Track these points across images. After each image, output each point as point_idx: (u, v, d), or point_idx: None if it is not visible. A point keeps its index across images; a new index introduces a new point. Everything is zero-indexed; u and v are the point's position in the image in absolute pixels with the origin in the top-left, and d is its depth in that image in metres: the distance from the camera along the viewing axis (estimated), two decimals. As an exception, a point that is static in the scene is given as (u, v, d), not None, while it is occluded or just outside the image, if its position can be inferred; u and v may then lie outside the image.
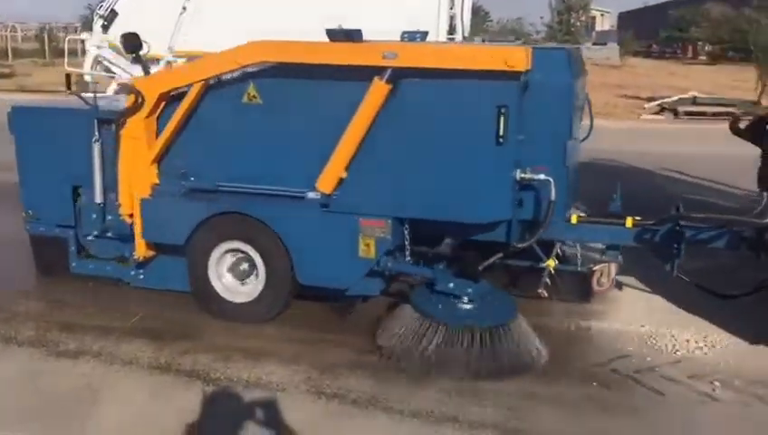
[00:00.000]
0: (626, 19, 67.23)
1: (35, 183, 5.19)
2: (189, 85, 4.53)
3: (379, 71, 4.12)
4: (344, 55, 4.20)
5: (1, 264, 5.85)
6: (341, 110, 4.24)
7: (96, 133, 4.85)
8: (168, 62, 9.10)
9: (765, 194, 4.25)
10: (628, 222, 4.44)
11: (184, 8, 9.18)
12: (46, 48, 31.54)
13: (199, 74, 4.52)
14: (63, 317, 4.88)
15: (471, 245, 4.63)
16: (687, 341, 4.58)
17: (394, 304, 4.69)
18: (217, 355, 4.33)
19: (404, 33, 4.75)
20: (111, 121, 4.75)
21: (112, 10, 9.83)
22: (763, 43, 19.42)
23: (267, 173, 4.56)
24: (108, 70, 10.32)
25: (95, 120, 4.84)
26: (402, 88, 4.15)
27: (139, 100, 4.57)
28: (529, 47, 4.09)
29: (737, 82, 22.24)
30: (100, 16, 9.90)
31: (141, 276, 5.08)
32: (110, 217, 4.98)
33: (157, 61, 9.20)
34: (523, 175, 4.19)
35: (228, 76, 4.51)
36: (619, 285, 5.23)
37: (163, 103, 4.65)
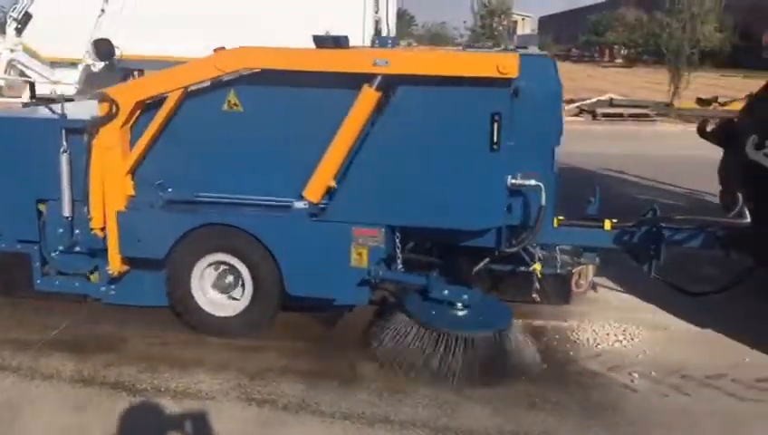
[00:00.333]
0: (546, 23, 69.12)
1: None
2: (167, 93, 4.39)
3: (368, 78, 4.10)
4: (335, 62, 4.17)
5: None
6: (328, 117, 4.20)
7: (64, 143, 4.56)
8: (88, 66, 8.89)
9: (739, 195, 4.40)
10: (607, 224, 4.56)
11: (102, 10, 8.97)
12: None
13: (178, 82, 4.38)
14: (-21, 332, 4.69)
15: (458, 251, 4.66)
16: (608, 334, 4.76)
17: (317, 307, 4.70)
18: (144, 366, 4.24)
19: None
20: (81, 131, 4.51)
21: (26, 12, 9.53)
22: (674, 46, 20.29)
23: (250, 183, 4.47)
24: (22, 74, 10.00)
25: (63, 130, 4.56)
26: (394, 95, 4.13)
27: (114, 108, 4.37)
28: (516, 54, 4.12)
29: (651, 84, 23.16)
30: (14, 19, 9.58)
31: (113, 292, 4.84)
32: (78, 232, 4.72)
33: (74, 65, 8.98)
34: (514, 181, 4.23)
35: (208, 83, 4.40)
36: (595, 287, 5.33)
37: (138, 112, 4.49)
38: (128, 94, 4.45)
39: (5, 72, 9.69)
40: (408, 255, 4.63)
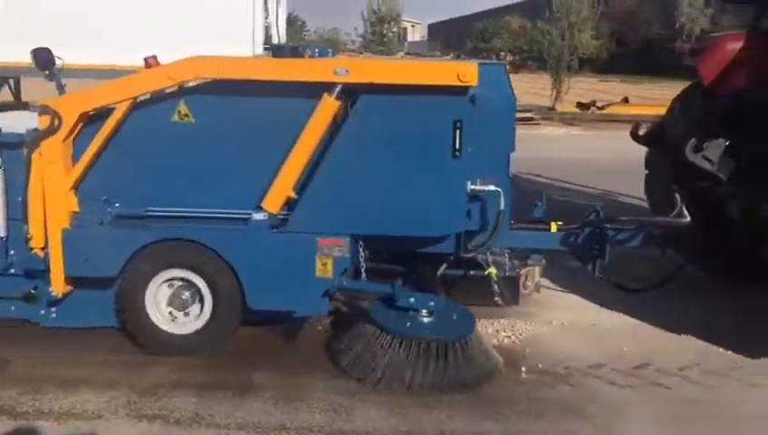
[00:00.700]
0: (435, 30, 70.67)
1: None
2: (115, 104, 4.18)
3: (328, 87, 4.06)
4: (294, 72, 4.10)
5: None
6: (286, 127, 4.13)
7: None
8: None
9: (677, 196, 4.62)
10: (553, 227, 4.70)
11: None
12: None
13: (128, 92, 4.19)
14: None
15: (414, 257, 4.67)
16: (497, 331, 4.92)
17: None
18: (25, 388, 4.03)
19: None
20: (18, 145, 4.21)
21: None
22: (555, 53, 21.22)
23: (205, 195, 4.32)
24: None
25: None
26: (355, 104, 4.11)
27: (56, 121, 4.11)
28: (475, 62, 4.18)
29: (536, 88, 24.07)
30: None
31: (54, 315, 4.53)
32: (12, 252, 4.39)
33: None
34: (474, 187, 4.28)
35: (157, 94, 4.23)
36: (539, 288, 5.41)
37: (81, 124, 4.24)
38: (71, 106, 4.22)
39: None
40: (369, 263, 4.59)
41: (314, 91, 4.12)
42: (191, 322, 4.46)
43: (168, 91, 4.26)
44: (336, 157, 4.19)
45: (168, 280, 4.42)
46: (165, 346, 4.44)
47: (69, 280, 4.41)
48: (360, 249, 4.41)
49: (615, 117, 17.89)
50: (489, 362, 4.30)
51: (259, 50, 10.14)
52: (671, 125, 5.72)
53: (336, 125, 4.21)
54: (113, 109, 4.22)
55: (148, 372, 4.25)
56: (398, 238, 4.32)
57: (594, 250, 4.70)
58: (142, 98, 4.27)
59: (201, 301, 4.43)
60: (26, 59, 4.67)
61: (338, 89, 4.10)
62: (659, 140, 5.81)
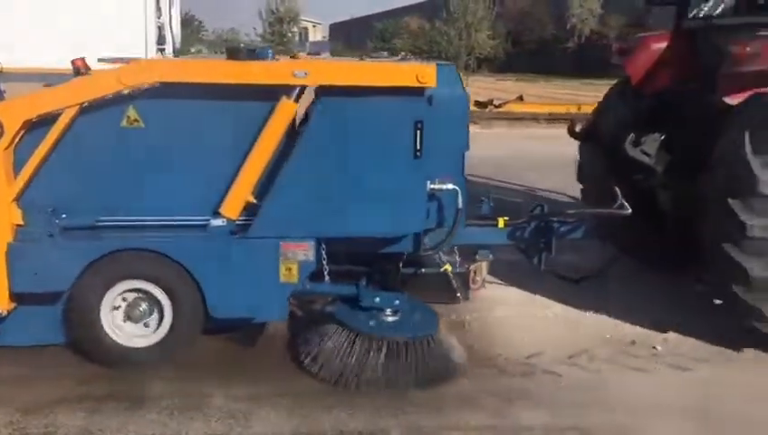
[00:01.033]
0: (337, 30, 70.82)
1: None
2: (61, 110, 3.91)
3: (286, 89, 3.96)
4: (251, 74, 3.95)
5: None
6: (242, 131, 4.00)
7: None
8: None
9: (617, 189, 4.77)
10: (500, 223, 4.74)
11: None
12: None
13: (76, 97, 3.92)
14: None
15: (372, 257, 4.61)
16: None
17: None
18: None
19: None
20: None
21: None
22: (453, 53, 21.73)
23: (157, 203, 4.12)
24: None
25: None
26: (314, 106, 4.03)
27: None
28: (433, 63, 4.18)
29: (436, 88, 24.53)
30: None
31: None
32: None
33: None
34: (433, 186, 4.29)
35: (104, 99, 3.98)
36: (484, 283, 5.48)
37: (23, 132, 3.94)
38: (14, 113, 3.95)
39: None
40: (331, 265, 4.51)
41: (273, 93, 4.05)
42: (149, 334, 4.29)
43: (116, 95, 4.06)
44: (297, 160, 4.13)
45: (123, 292, 4.24)
46: (122, 360, 4.26)
47: (14, 296, 4.15)
48: (323, 252, 4.38)
49: (511, 115, 18.44)
50: (454, 357, 4.38)
51: (152, 50, 9.90)
52: (603, 123, 6.00)
53: (295, 128, 4.17)
54: (58, 115, 3.99)
55: (34, 388, 4.02)
56: (359, 239, 4.33)
57: (540, 243, 4.84)
58: (88, 104, 4.06)
59: (160, 312, 4.27)
60: None
61: (296, 91, 4.07)
62: (593, 136, 6.09)
